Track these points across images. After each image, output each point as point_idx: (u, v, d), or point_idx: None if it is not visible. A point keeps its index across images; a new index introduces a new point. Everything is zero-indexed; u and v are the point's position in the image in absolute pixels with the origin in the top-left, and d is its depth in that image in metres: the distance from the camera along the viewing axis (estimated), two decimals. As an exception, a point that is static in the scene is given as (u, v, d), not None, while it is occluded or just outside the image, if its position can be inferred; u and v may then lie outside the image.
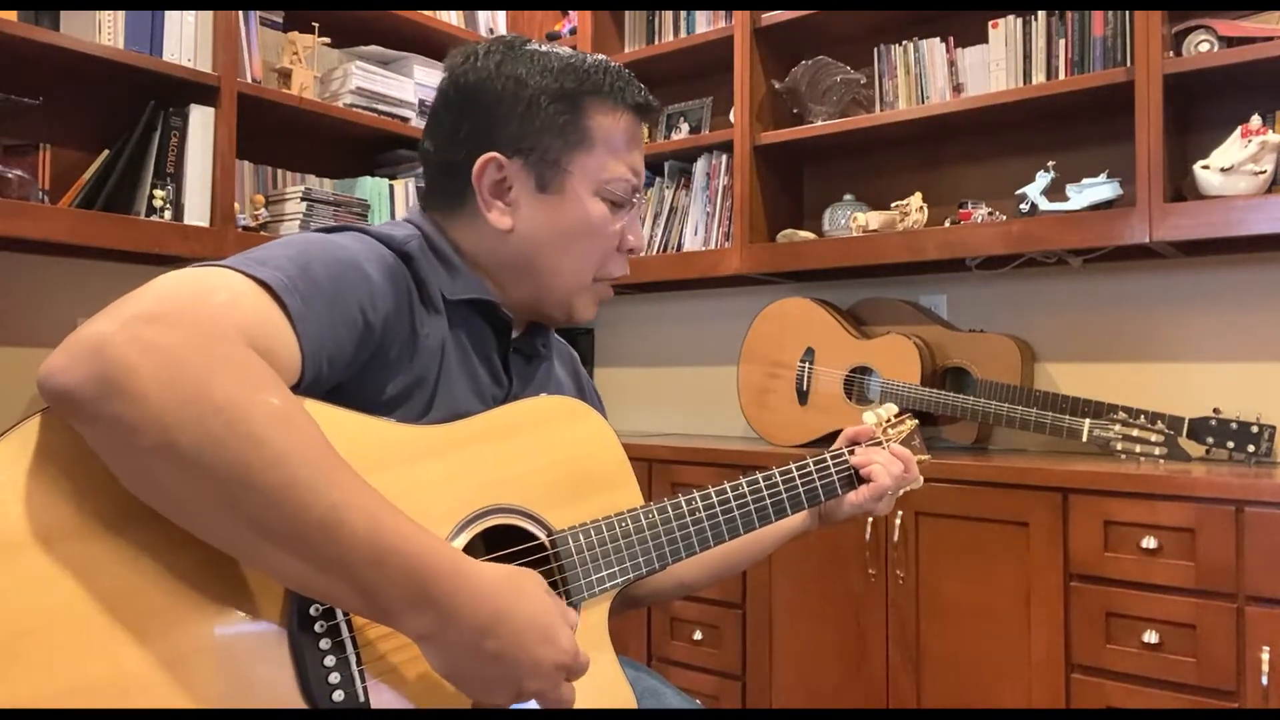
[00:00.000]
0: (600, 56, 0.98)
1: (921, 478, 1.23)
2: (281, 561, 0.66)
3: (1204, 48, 1.92)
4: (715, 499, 1.02)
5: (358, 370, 0.82)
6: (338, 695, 0.72)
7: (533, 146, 0.93)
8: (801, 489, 1.09)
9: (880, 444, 1.18)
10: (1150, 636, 1.64)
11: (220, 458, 0.63)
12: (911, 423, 1.26)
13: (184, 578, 0.68)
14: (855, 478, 1.14)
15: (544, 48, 0.96)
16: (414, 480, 0.81)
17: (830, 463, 1.13)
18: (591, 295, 1.00)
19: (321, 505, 0.65)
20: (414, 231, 0.92)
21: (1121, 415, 1.89)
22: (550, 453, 0.93)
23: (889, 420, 1.23)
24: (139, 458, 0.63)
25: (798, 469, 1.10)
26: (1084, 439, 1.93)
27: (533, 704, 0.77)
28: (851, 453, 1.16)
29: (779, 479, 1.08)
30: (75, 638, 0.63)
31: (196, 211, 2.05)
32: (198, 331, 0.65)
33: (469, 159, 0.93)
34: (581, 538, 0.90)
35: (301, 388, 0.76)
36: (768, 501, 1.06)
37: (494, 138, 0.93)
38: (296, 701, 0.70)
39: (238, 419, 0.63)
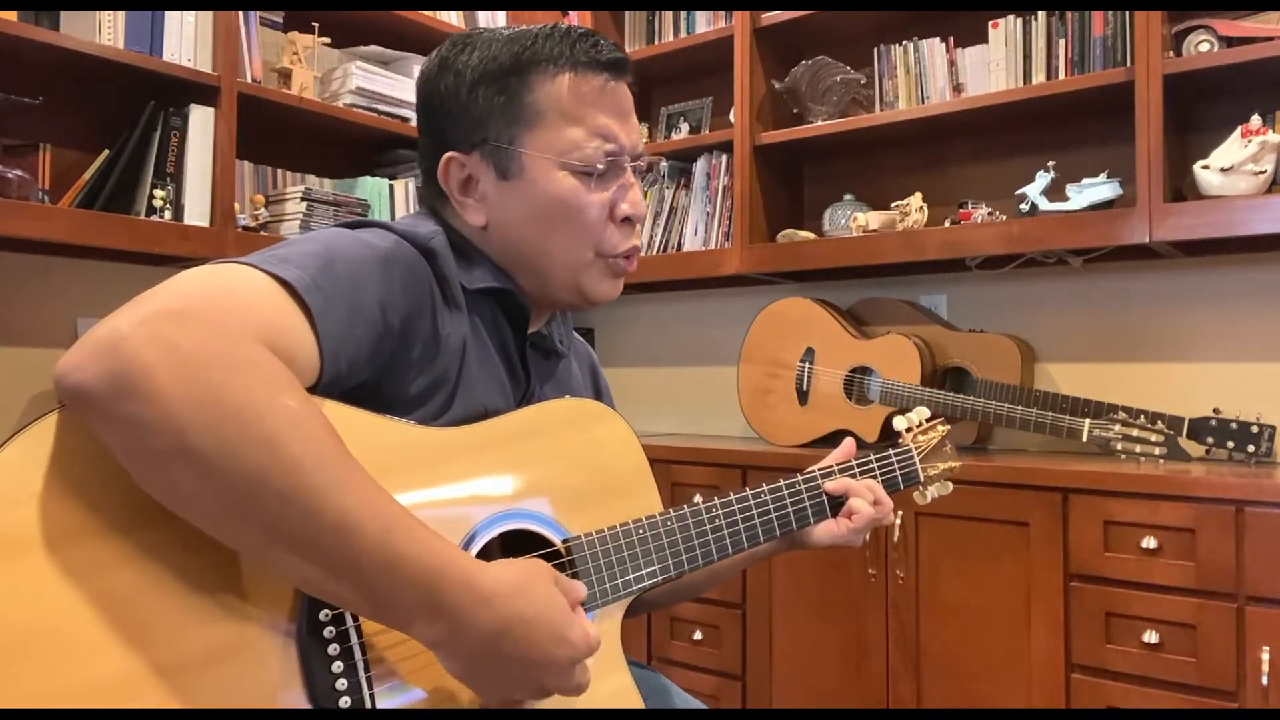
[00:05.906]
0: (550, 24, 0.94)
1: (943, 487, 1.18)
2: (294, 565, 0.66)
3: (1204, 48, 1.92)
4: (736, 505, 1.00)
5: (380, 368, 0.81)
6: (344, 702, 0.71)
7: (484, 136, 0.91)
8: (774, 514, 1.04)
9: (854, 472, 1.11)
10: (1150, 636, 1.65)
11: (235, 461, 0.62)
12: (944, 428, 1.19)
13: (195, 580, 0.67)
14: (827, 505, 1.08)
15: (490, 33, 0.94)
16: (430, 484, 0.80)
17: (803, 487, 1.07)
18: (599, 271, 0.95)
19: (334, 510, 0.65)
20: (437, 228, 0.91)
21: (1121, 415, 1.89)
22: (570, 457, 0.91)
23: (920, 425, 1.18)
24: (154, 458, 0.63)
25: (770, 492, 1.04)
26: (1084, 439, 1.93)
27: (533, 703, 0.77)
28: (827, 478, 1.09)
29: (776, 493, 1.05)
30: (83, 639, 0.63)
31: (196, 211, 2.05)
32: (216, 332, 0.65)
33: (434, 163, 0.94)
34: (597, 544, 0.89)
35: (320, 387, 0.75)
36: (773, 517, 1.03)
37: (448, 137, 0.93)
38: (302, 707, 0.70)
39: (254, 422, 0.63)
